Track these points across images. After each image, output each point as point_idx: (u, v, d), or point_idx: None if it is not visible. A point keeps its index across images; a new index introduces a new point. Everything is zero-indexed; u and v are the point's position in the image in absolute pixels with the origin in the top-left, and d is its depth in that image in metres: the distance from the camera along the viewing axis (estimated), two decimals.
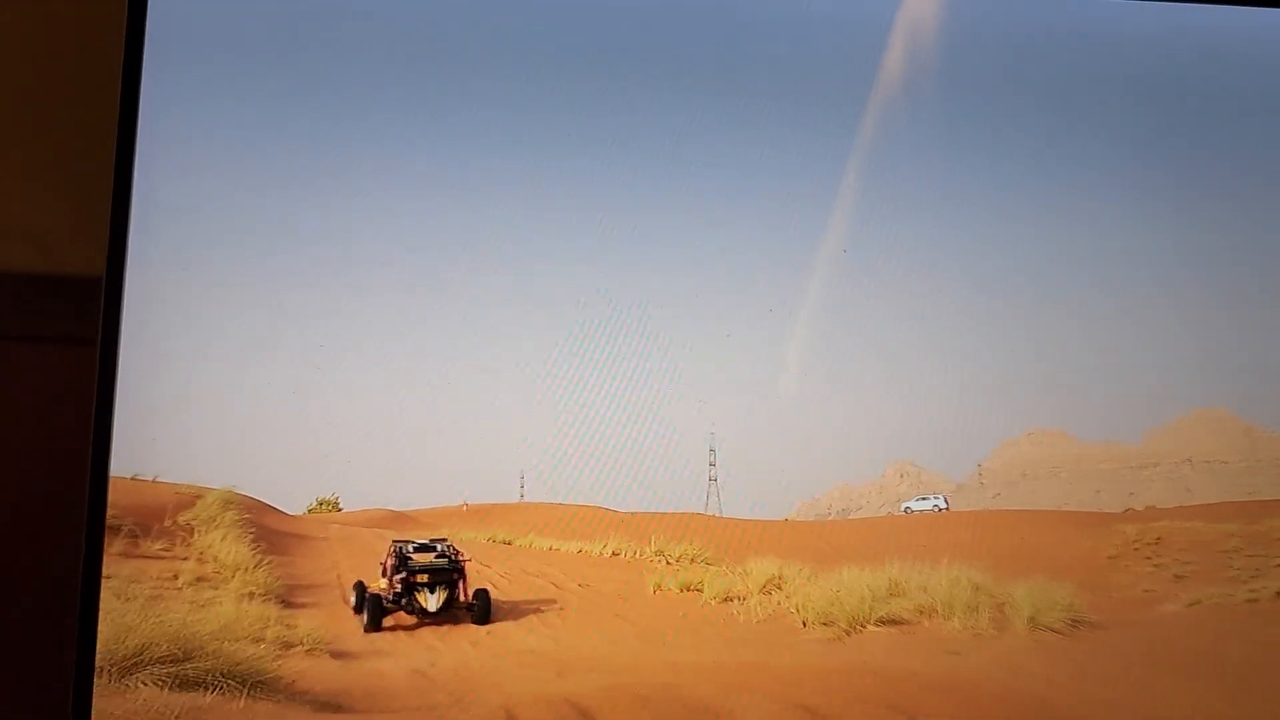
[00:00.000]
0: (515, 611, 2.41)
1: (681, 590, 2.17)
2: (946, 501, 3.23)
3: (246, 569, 1.93)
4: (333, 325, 1.75)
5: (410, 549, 3.76)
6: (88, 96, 0.82)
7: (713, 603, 2.07)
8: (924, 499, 3.17)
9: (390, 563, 3.51)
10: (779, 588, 2.14)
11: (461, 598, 3.67)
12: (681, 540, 2.39)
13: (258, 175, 1.46)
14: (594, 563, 2.60)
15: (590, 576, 2.46)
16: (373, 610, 3.45)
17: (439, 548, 3.78)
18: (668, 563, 2.35)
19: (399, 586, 3.48)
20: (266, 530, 2.48)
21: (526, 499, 2.43)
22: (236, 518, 2.07)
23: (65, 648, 0.79)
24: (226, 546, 1.96)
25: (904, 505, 3.23)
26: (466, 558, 3.72)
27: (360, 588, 3.45)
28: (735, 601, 2.04)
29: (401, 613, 3.47)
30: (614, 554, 2.55)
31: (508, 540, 2.86)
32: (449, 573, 3.72)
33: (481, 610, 3.58)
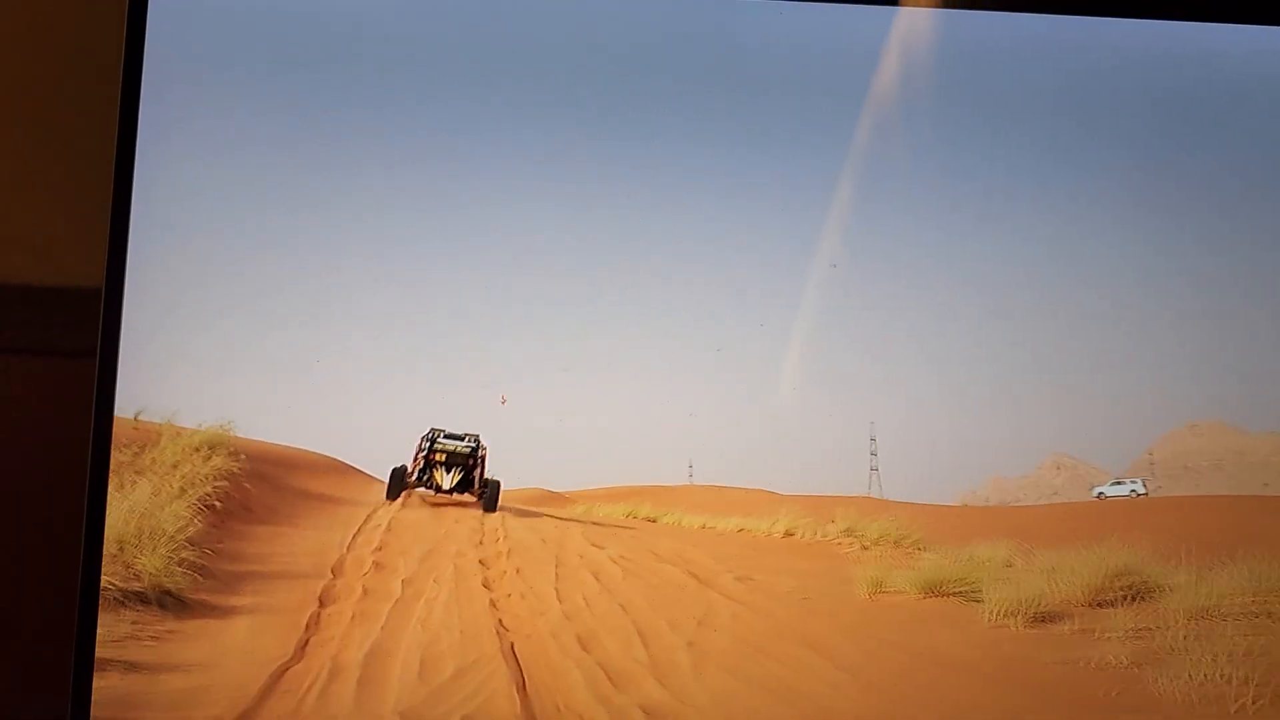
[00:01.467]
0: (601, 627, 1.35)
1: (925, 594, 1.29)
2: (1145, 486, 3.16)
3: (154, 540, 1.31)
4: (337, 330, 1.69)
5: (440, 434, 4.08)
6: (87, 105, 0.83)
7: (1011, 623, 1.18)
8: (1119, 483, 3.08)
9: (421, 444, 3.88)
10: (1143, 597, 1.28)
11: (476, 483, 4.15)
12: (870, 519, 1.68)
13: (259, 186, 1.46)
14: (759, 545, 1.91)
15: (754, 566, 1.69)
16: (394, 479, 3.84)
17: (466, 438, 4.13)
18: (864, 547, 1.65)
19: (421, 463, 3.86)
20: (276, 487, 2.06)
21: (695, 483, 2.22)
22: (216, 467, 1.54)
23: (63, 660, 0.81)
24: (160, 505, 1.39)
25: (1096, 490, 3.21)
26: (486, 447, 3.81)
27: (395, 471, 3.86)
28: (1059, 624, 1.13)
29: (420, 490, 3.85)
30: (787, 534, 1.86)
31: (651, 517, 2.40)
32: (465, 457, 4.06)
33: (489, 498, 3.88)
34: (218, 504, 1.73)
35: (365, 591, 1.63)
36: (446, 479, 3.41)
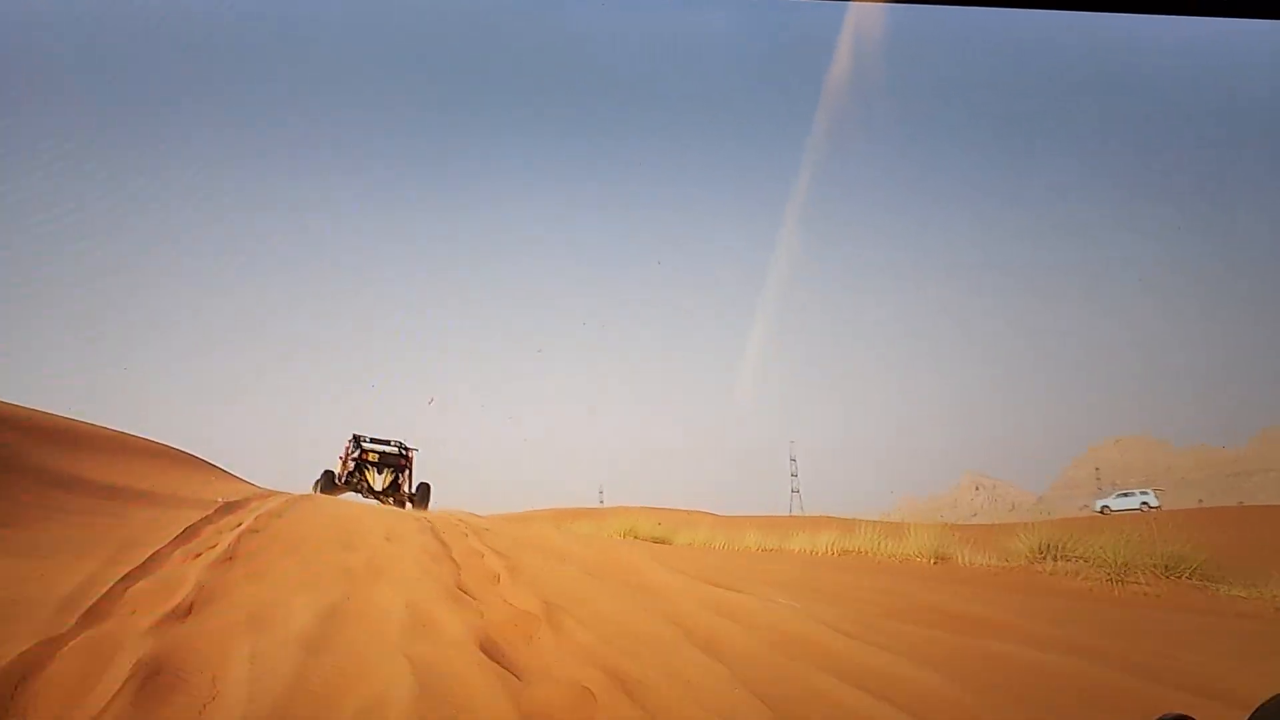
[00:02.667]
0: None
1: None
2: (1156, 498, 5.13)
3: None
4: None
5: (366, 438, 5.87)
6: None
7: None
8: (1127, 494, 4.81)
9: (348, 448, 5.82)
10: None
11: (405, 486, 6.00)
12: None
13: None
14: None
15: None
16: (324, 482, 5.55)
17: (392, 441, 5.99)
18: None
19: (351, 466, 5.71)
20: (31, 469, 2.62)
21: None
22: None
23: None
24: None
25: (1100, 504, 5.19)
26: (414, 449, 6.21)
27: (325, 473, 5.80)
28: None
29: (351, 491, 6.08)
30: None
31: (660, 538, 3.81)
32: (395, 458, 5.97)
33: (422, 498, 5.86)
34: None
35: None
36: (379, 480, 5.70)
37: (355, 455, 7.21)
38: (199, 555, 2.77)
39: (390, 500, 7.69)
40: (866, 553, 4.99)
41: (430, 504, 8.01)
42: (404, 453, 7.40)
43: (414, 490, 7.65)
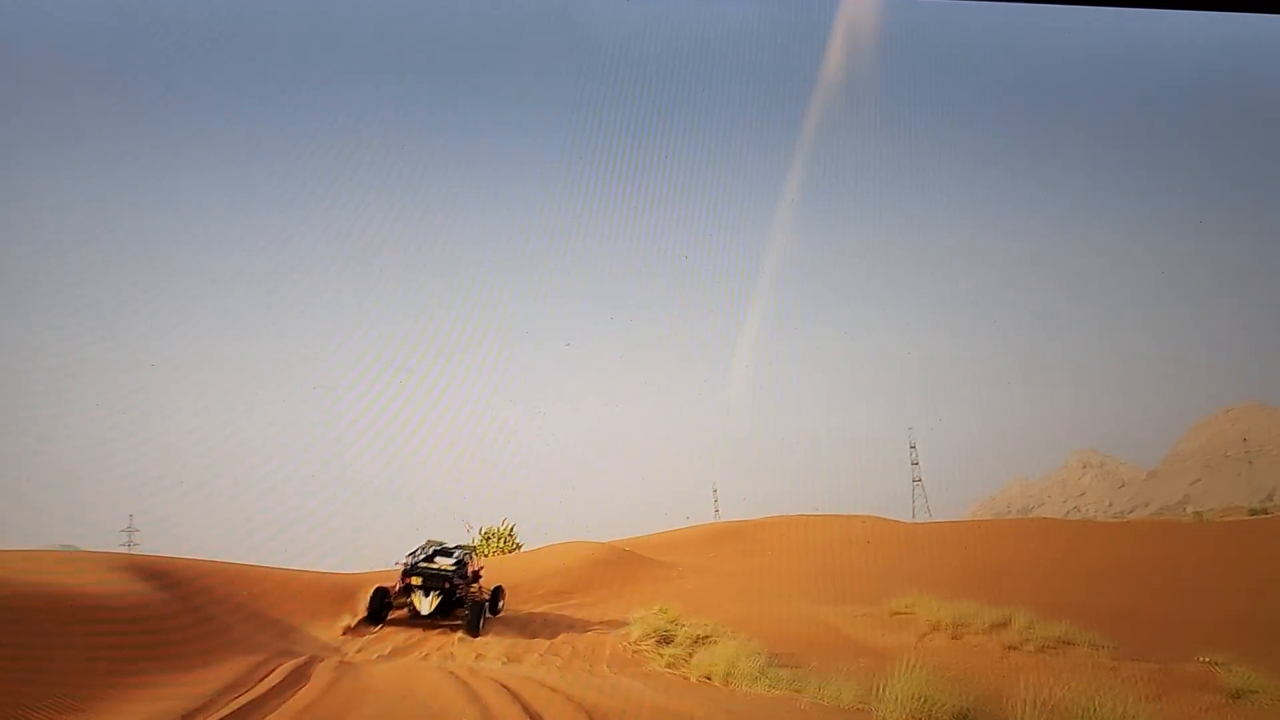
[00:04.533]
0: None
1: None
2: None
3: None
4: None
5: (424, 554, 4.62)
6: None
7: None
8: None
9: (406, 562, 4.49)
10: None
11: (469, 600, 4.64)
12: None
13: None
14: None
15: None
16: (375, 601, 4.31)
17: (455, 554, 4.66)
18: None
19: (400, 585, 4.37)
20: None
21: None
22: None
23: None
24: None
25: None
26: (478, 566, 4.78)
27: (377, 591, 4.51)
28: None
29: (404, 611, 4.74)
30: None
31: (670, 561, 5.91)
32: (443, 579, 4.61)
33: (470, 621, 4.30)
34: None
35: None
36: (424, 603, 4.17)
37: (405, 576, 6.98)
38: None
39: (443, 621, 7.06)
40: None
41: (494, 612, 7.71)
42: (459, 567, 6.98)
43: (471, 604, 7.00)
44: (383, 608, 7.26)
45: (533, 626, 7.08)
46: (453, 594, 7.07)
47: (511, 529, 13.81)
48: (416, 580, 7.11)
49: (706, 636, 6.21)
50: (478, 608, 7.14)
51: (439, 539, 7.82)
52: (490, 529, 14.02)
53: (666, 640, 6.30)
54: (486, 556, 12.01)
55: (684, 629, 6.42)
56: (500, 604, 8.17)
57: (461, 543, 7.94)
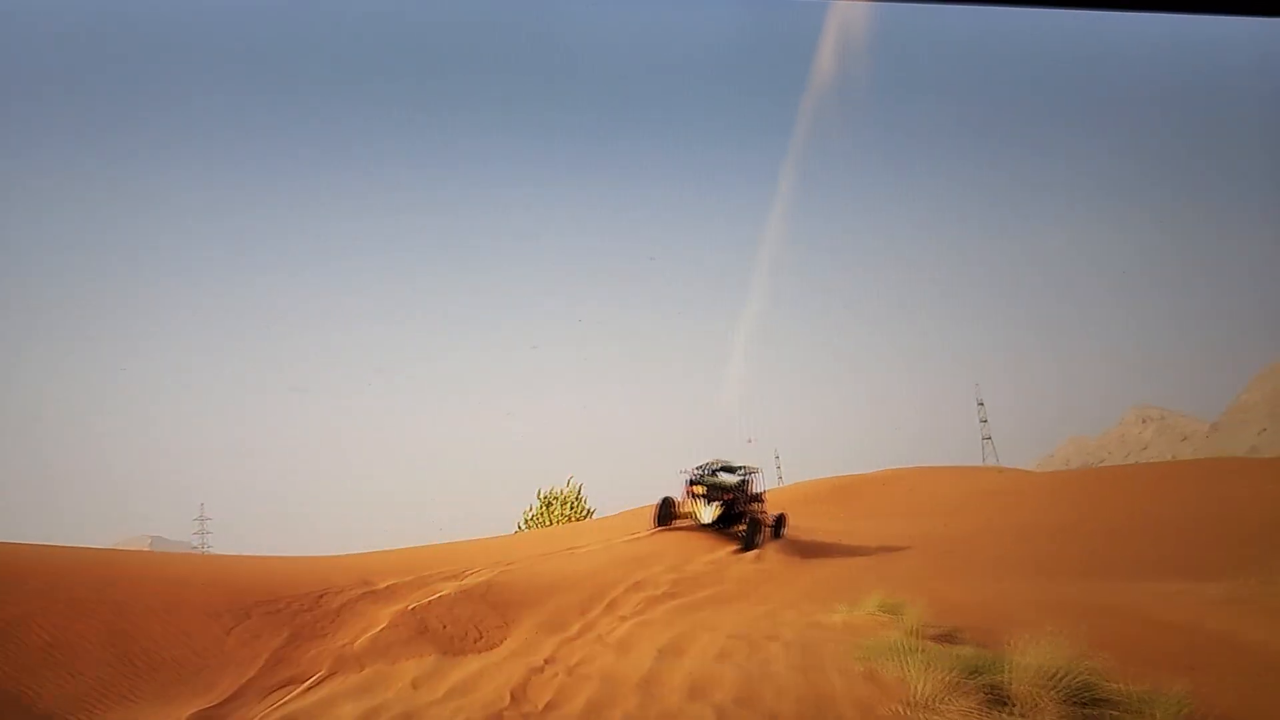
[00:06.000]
0: None
1: None
2: None
3: None
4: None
5: (709, 469, 5.35)
6: None
7: None
8: None
9: (693, 472, 5.31)
10: None
11: (744, 523, 5.28)
12: None
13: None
14: None
15: None
16: (662, 509, 5.29)
17: (739, 473, 5.28)
18: None
19: (685, 494, 5.09)
20: None
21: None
22: None
23: None
24: None
25: None
26: (757, 490, 5.35)
27: (664, 500, 5.48)
28: None
29: (689, 518, 5.53)
30: None
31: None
32: (725, 491, 5.13)
33: (748, 536, 4.97)
34: None
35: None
36: (705, 512, 4.87)
37: (687, 486, 6.90)
38: None
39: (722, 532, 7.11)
40: None
41: (777, 536, 7.57)
42: (742, 483, 6.88)
43: (750, 520, 6.94)
44: (668, 516, 7.19)
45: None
46: (733, 506, 6.88)
47: (579, 490, 12.25)
48: (699, 489, 6.97)
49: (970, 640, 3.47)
50: (755, 524, 6.94)
51: (726, 458, 7.40)
52: (552, 492, 12.30)
53: (949, 639, 3.65)
54: (550, 525, 11.03)
55: (933, 628, 3.78)
56: (783, 530, 7.89)
57: (746, 464, 7.56)
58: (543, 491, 11.78)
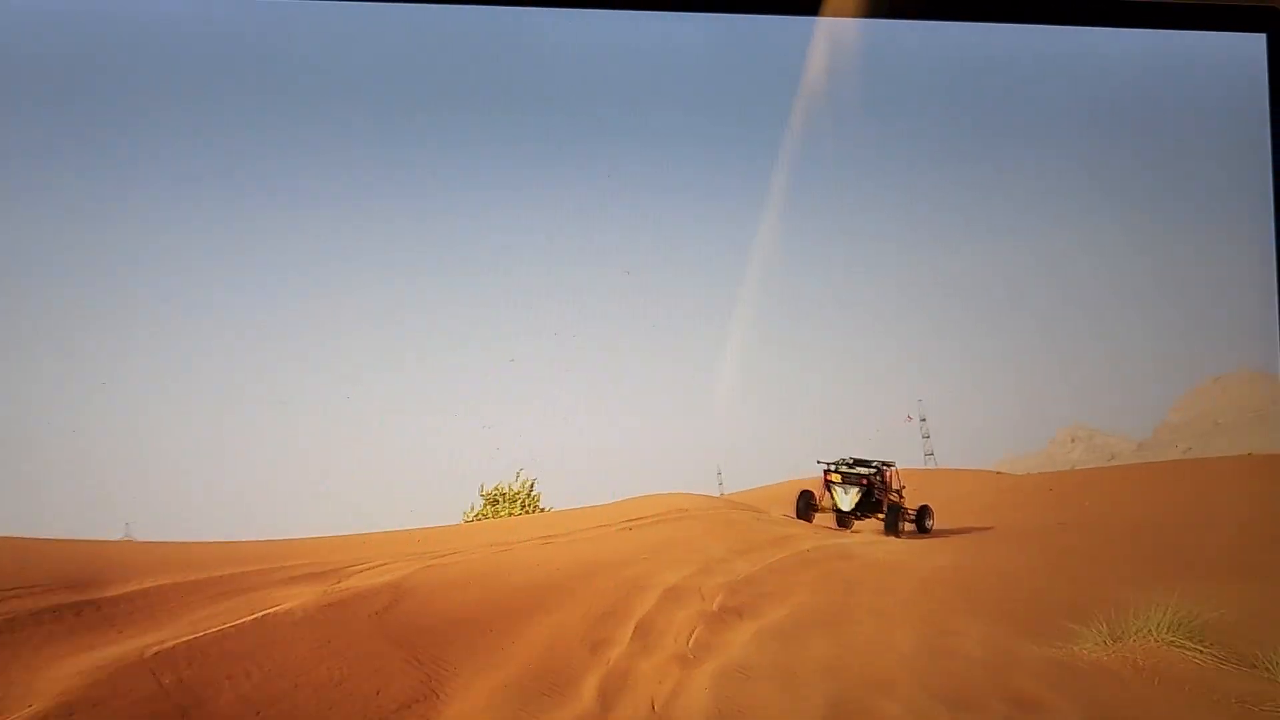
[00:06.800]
0: None
1: None
2: None
3: None
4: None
5: (845, 461, 5.58)
6: None
7: None
8: None
9: (828, 465, 5.41)
10: None
11: (885, 509, 5.46)
12: None
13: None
14: None
15: None
16: (801, 501, 5.26)
17: (875, 465, 5.45)
18: None
19: (824, 484, 5.31)
20: None
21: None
22: None
23: None
24: None
25: None
26: (894, 476, 5.68)
27: (803, 494, 5.41)
28: None
29: (826, 511, 5.66)
30: None
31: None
32: (860, 477, 5.42)
33: (889, 521, 5.13)
34: None
35: None
36: (845, 499, 5.09)
37: (825, 474, 7.32)
38: None
39: (855, 522, 7.21)
40: None
41: (923, 530, 7.54)
42: (878, 470, 7.31)
43: (890, 506, 7.26)
44: (808, 508, 7.57)
45: None
46: (870, 493, 7.36)
47: (531, 487, 11.54)
48: (835, 476, 7.47)
49: None
50: (895, 509, 7.38)
51: (860, 455, 7.71)
52: (498, 488, 11.43)
53: None
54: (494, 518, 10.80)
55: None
56: (929, 522, 8.12)
57: (883, 458, 7.93)
58: (487, 488, 11.21)
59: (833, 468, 7.93)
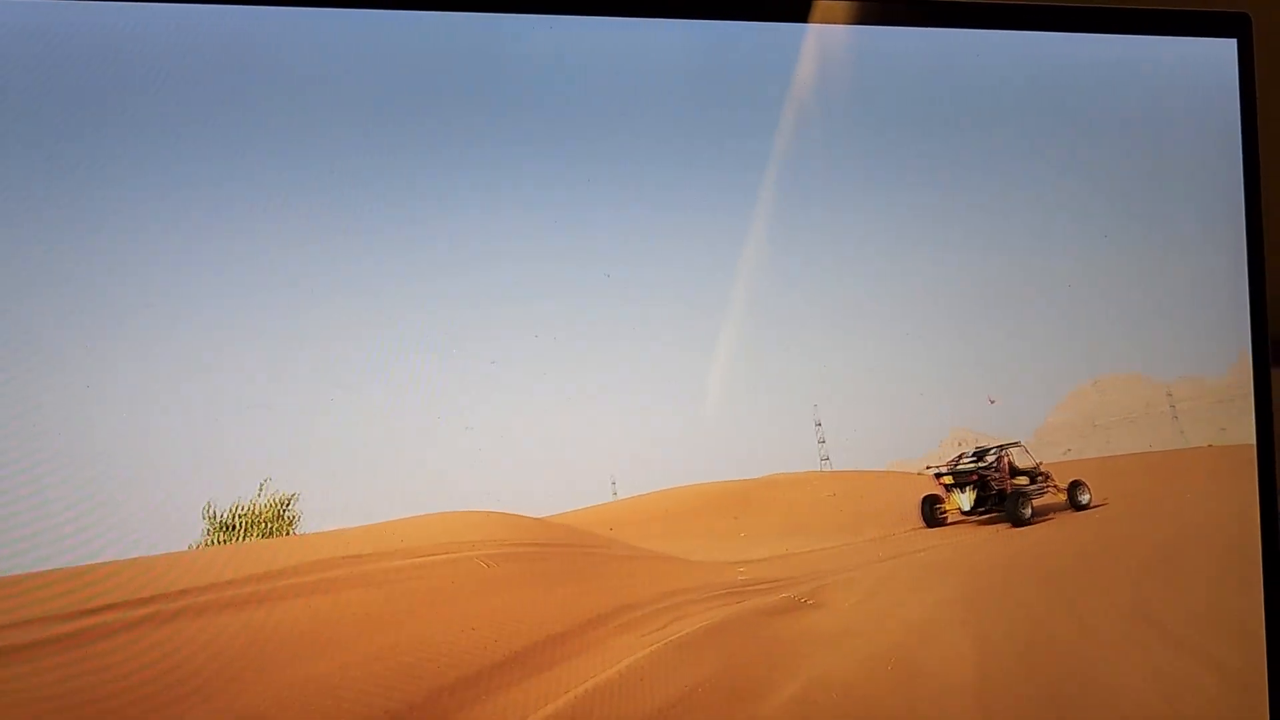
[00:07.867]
0: None
1: None
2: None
3: None
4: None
5: (955, 458, 19.37)
6: None
7: None
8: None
9: (939, 468, 20.32)
10: None
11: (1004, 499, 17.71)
12: None
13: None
14: None
15: None
16: (925, 507, 25.94)
17: (990, 452, 18.73)
18: None
19: (942, 492, 20.06)
20: None
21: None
22: None
23: None
24: None
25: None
26: (1013, 458, 15.78)
27: (926, 499, 23.10)
28: None
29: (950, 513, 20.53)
30: None
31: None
32: (969, 474, 20.74)
33: (1008, 510, 23.14)
34: None
35: None
36: (963, 500, 17.65)
37: (938, 479, 6.83)
38: None
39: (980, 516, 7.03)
40: None
41: (1079, 507, 7.40)
42: (983, 465, 6.66)
43: (1010, 494, 6.75)
44: (934, 513, 7.26)
45: None
46: (985, 486, 6.92)
47: (288, 504, 10.23)
48: (947, 480, 7.12)
49: None
50: (1014, 496, 6.95)
51: (983, 444, 7.15)
52: (237, 508, 9.80)
53: None
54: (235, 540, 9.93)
55: None
56: (1084, 497, 7.37)
57: (1004, 441, 7.56)
58: (213, 508, 9.57)
59: (945, 471, 7.73)
